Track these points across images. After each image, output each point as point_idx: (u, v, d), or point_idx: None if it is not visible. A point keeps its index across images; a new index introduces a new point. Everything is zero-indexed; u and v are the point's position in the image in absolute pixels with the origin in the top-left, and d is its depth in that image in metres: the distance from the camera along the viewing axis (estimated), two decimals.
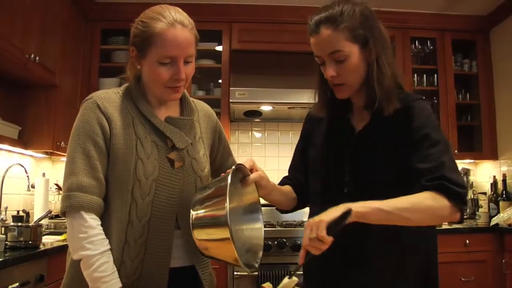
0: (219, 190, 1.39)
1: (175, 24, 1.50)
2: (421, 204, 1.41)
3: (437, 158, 1.46)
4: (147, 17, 1.52)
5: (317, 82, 1.70)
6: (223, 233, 1.33)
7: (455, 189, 1.41)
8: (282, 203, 1.78)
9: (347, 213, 1.34)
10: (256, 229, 1.60)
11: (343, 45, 1.50)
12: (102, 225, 1.49)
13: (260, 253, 1.55)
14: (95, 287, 1.42)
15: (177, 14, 1.52)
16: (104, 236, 1.47)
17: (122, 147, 1.51)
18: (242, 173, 1.53)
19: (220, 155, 1.84)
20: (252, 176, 1.52)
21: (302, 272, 1.72)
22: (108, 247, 1.47)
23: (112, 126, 1.53)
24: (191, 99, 1.74)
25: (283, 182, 1.85)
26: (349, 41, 1.50)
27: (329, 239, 1.31)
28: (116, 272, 1.45)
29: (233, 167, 1.44)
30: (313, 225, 1.34)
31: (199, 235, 1.41)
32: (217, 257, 1.44)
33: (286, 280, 1.40)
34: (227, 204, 1.33)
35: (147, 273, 1.52)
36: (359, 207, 1.37)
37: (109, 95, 1.59)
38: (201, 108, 1.79)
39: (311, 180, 1.76)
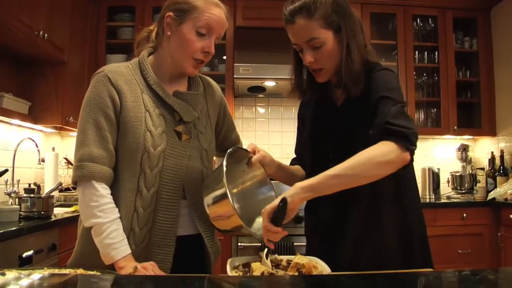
0: (220, 172, 1.49)
1: (220, 6, 1.62)
2: (364, 156, 1.39)
3: (384, 110, 1.47)
4: None
5: (292, 67, 1.75)
6: (227, 204, 1.44)
7: (399, 130, 1.40)
8: (292, 181, 1.81)
9: (283, 201, 1.37)
10: (270, 199, 1.67)
11: (319, 33, 1.55)
12: (112, 194, 1.54)
13: None
14: (105, 253, 1.48)
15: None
16: (114, 205, 1.53)
17: (132, 119, 1.56)
18: (247, 157, 1.63)
19: (224, 130, 1.89)
20: (255, 156, 1.62)
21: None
22: (118, 215, 1.52)
23: (122, 99, 1.57)
24: (198, 75, 1.80)
25: (292, 163, 1.92)
26: (324, 28, 1.55)
27: (276, 229, 1.37)
28: (126, 239, 1.51)
29: (229, 150, 1.54)
30: (263, 214, 1.41)
31: (210, 211, 1.52)
32: (228, 228, 1.53)
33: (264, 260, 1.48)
34: (224, 178, 1.43)
35: (155, 241, 1.58)
36: (305, 181, 1.40)
37: (119, 69, 1.63)
38: (208, 83, 1.84)
39: (305, 157, 1.84)
